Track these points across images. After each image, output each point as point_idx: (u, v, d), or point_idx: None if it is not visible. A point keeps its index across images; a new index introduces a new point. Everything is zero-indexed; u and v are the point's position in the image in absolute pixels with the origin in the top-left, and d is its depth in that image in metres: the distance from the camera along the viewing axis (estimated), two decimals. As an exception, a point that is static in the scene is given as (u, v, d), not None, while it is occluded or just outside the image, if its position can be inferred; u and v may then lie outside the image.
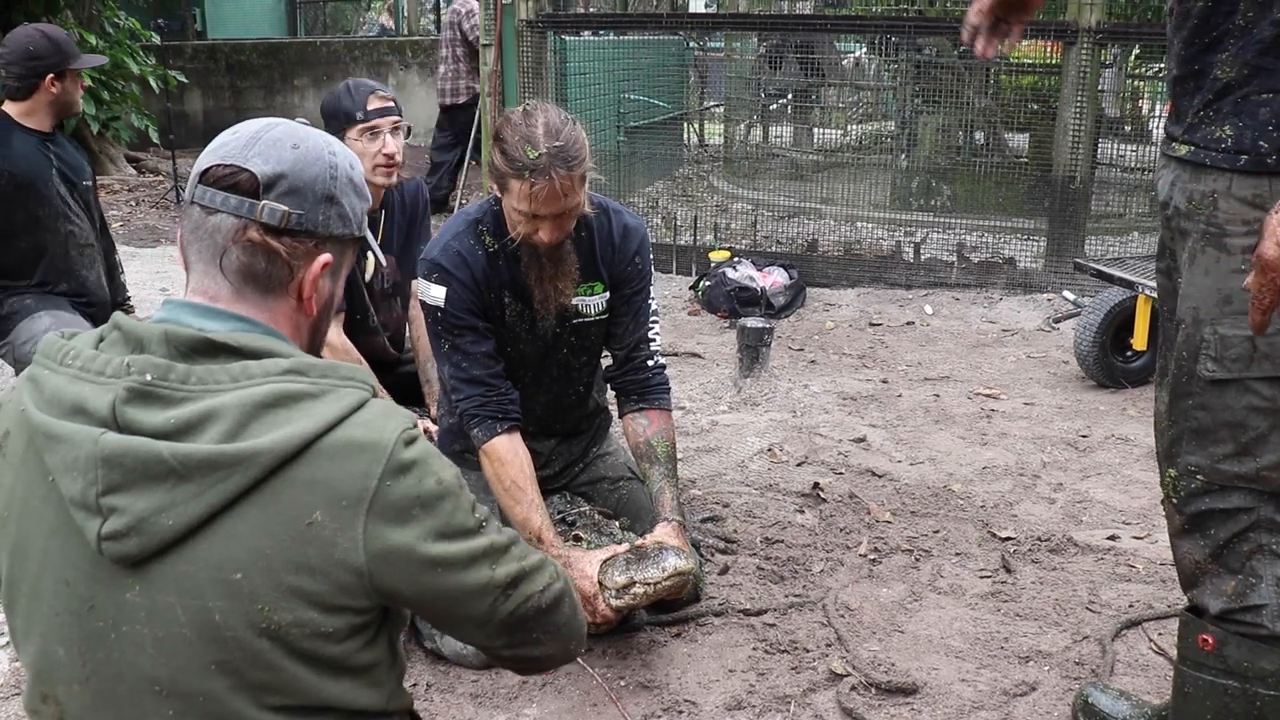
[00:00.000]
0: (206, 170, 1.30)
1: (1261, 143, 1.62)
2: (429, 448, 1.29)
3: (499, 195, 2.57)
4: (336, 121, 3.22)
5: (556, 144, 2.41)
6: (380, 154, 3.22)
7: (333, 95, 3.29)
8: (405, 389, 3.55)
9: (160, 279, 6.30)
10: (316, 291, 1.34)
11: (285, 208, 1.29)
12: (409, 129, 3.35)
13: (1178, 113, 1.78)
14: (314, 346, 1.40)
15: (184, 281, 1.32)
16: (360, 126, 3.20)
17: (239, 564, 1.18)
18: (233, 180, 1.28)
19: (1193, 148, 1.73)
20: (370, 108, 3.21)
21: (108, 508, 1.17)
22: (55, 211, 3.69)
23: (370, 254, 3.39)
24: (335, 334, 3.27)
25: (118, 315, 1.29)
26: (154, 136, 9.98)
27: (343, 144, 1.40)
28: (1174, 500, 1.83)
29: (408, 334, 3.72)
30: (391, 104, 3.27)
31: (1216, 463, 1.75)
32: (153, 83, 10.09)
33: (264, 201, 1.28)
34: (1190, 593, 1.86)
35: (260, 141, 1.31)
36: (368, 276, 3.43)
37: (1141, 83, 8.37)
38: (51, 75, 3.59)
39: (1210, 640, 1.80)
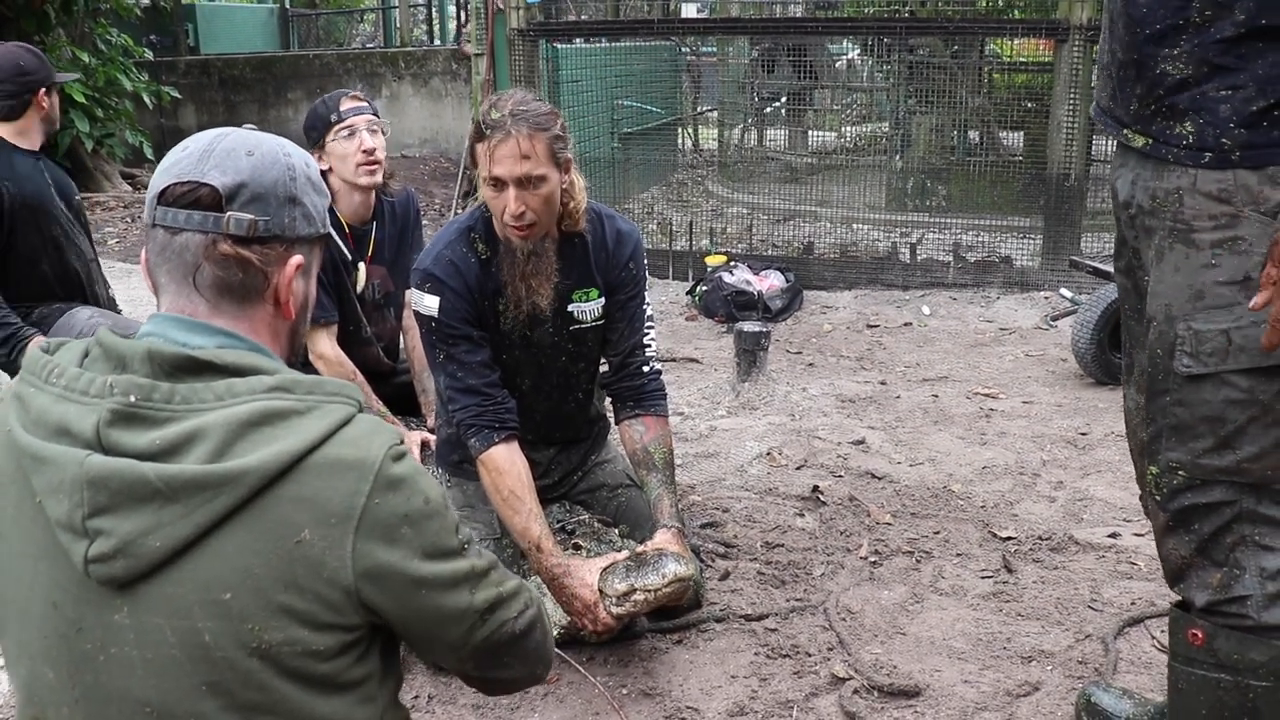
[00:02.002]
0: (164, 190, 1.28)
1: (1224, 140, 1.63)
2: (416, 465, 1.29)
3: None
4: (315, 131, 3.24)
5: (522, 108, 2.44)
6: (359, 151, 3.23)
7: (310, 111, 3.32)
8: (401, 399, 3.54)
9: (156, 295, 6.29)
10: (293, 294, 1.34)
11: (251, 216, 1.27)
12: (387, 129, 3.37)
13: (1119, 94, 1.78)
14: (294, 350, 1.40)
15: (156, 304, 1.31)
16: (336, 128, 3.22)
17: (227, 584, 1.17)
18: (193, 196, 1.26)
19: (1150, 140, 1.73)
20: (344, 108, 3.24)
21: (94, 530, 1.16)
22: (64, 230, 3.67)
23: (360, 265, 3.39)
24: (329, 346, 3.27)
25: (100, 331, 1.28)
26: (148, 152, 9.99)
27: (299, 146, 1.39)
28: (1157, 498, 1.84)
29: (402, 344, 3.71)
30: (365, 104, 3.30)
31: (1197, 458, 1.75)
32: (146, 99, 10.11)
33: (229, 213, 1.26)
34: (1177, 587, 1.87)
35: (214, 154, 1.29)
36: (359, 288, 3.43)
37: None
38: (43, 90, 3.58)
39: (1200, 634, 1.80)
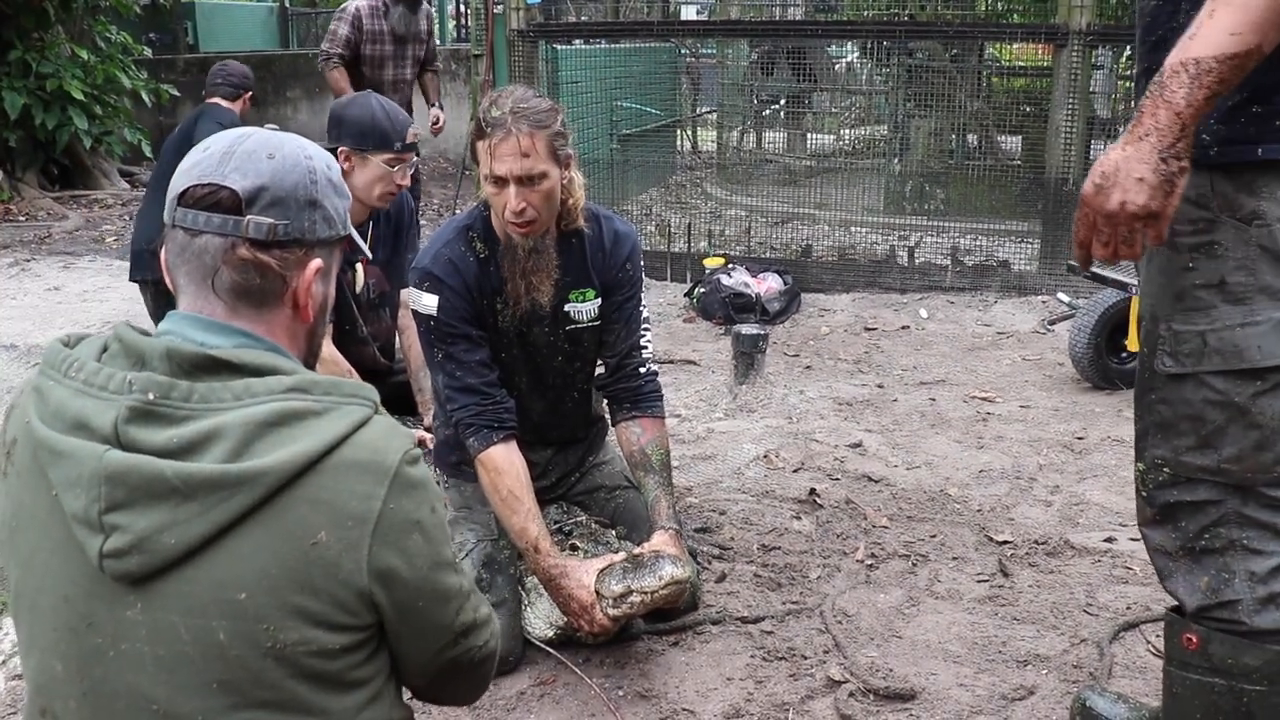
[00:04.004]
0: (185, 191, 1.28)
1: (1204, 136, 1.65)
2: (428, 471, 1.30)
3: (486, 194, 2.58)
4: (368, 140, 3.20)
5: (522, 105, 2.45)
6: (395, 183, 3.25)
7: (362, 109, 3.25)
8: (397, 399, 3.54)
9: (154, 293, 6.28)
10: (311, 297, 1.34)
11: (271, 220, 1.27)
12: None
13: (1136, 104, 1.82)
14: (312, 352, 1.40)
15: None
16: (393, 156, 3.22)
17: (243, 584, 1.18)
18: (214, 199, 1.26)
19: None
20: (408, 141, 3.25)
21: (110, 525, 1.17)
22: None
23: (357, 265, 3.38)
24: (325, 345, 3.27)
25: (119, 327, 1.28)
26: (147, 150, 9.98)
27: (319, 147, 1.39)
28: (1144, 493, 1.87)
29: (398, 344, 3.71)
30: (416, 140, 3.33)
31: (1180, 455, 1.78)
32: (145, 96, 10.10)
33: (249, 217, 1.26)
34: (1165, 585, 1.89)
35: (235, 156, 1.29)
36: (358, 288, 3.43)
37: (1133, 84, 8.39)
38: (251, 94, 5.36)
39: (1194, 639, 1.82)
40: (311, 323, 1.36)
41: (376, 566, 1.22)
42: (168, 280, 1.32)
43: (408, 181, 3.28)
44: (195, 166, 1.29)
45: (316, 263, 1.33)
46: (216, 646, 1.18)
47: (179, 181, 1.29)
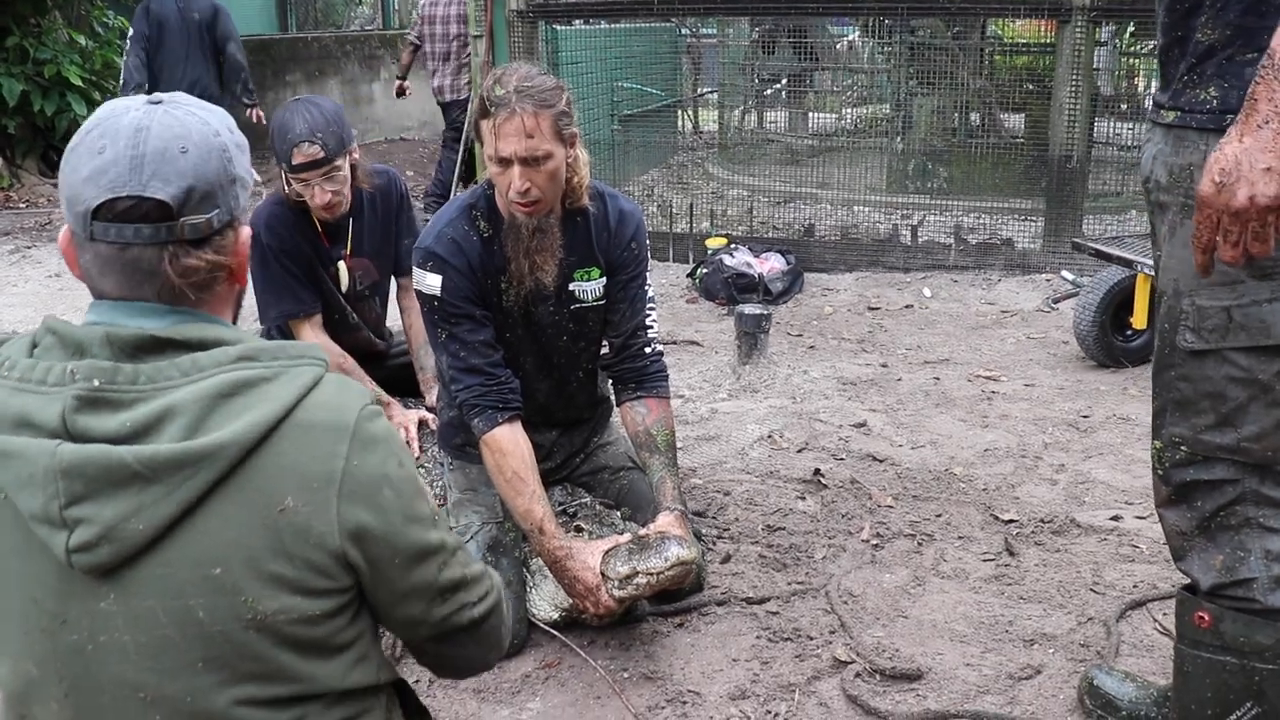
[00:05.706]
0: (100, 207, 1.19)
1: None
2: (390, 425, 1.29)
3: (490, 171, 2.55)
4: (272, 150, 3.14)
5: (526, 84, 2.42)
6: (312, 201, 3.14)
7: (277, 117, 3.12)
8: (398, 381, 3.52)
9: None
10: (244, 263, 1.31)
11: (204, 217, 1.22)
12: (348, 170, 3.17)
13: (1165, 80, 1.78)
14: (238, 304, 1.38)
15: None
16: (287, 175, 3.12)
17: (217, 558, 1.17)
18: (140, 212, 1.19)
19: (1179, 112, 1.73)
20: (295, 162, 3.05)
21: (74, 519, 1.14)
22: None
23: (340, 264, 3.33)
24: (314, 335, 3.27)
25: (48, 320, 1.23)
26: (146, 135, 9.94)
27: (211, 107, 1.30)
28: (1159, 471, 1.85)
29: (398, 325, 3.69)
30: (319, 155, 3.05)
31: (1199, 433, 1.77)
32: (144, 81, 10.03)
33: (182, 220, 1.21)
34: (1179, 564, 1.88)
35: (146, 160, 1.20)
36: (343, 286, 3.37)
37: (1136, 60, 8.35)
38: None
39: (1206, 617, 1.81)
40: (244, 284, 1.35)
41: (348, 525, 1.21)
42: (74, 273, 1.26)
43: (325, 198, 3.10)
44: (100, 175, 1.19)
45: (246, 230, 1.30)
46: (197, 625, 1.17)
47: (84, 192, 1.19)
